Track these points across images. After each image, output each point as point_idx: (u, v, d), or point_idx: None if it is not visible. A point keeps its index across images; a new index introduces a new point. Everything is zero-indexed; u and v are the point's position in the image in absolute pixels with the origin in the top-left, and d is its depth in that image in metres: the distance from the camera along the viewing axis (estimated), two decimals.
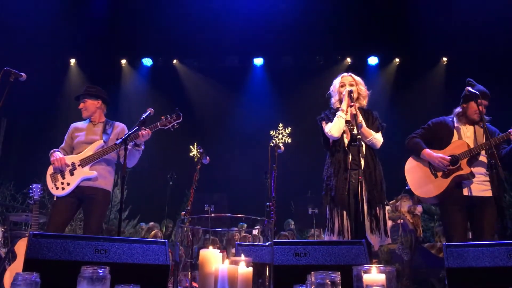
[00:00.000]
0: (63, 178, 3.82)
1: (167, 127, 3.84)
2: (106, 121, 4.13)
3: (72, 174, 3.83)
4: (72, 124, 4.17)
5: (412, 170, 3.72)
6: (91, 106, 4.07)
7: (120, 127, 4.12)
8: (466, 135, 3.63)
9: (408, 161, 3.78)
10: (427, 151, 3.61)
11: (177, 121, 3.85)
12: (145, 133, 3.75)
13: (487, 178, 3.48)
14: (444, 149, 3.60)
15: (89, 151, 3.89)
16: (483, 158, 3.54)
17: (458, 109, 3.74)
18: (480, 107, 3.47)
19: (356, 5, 9.04)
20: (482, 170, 3.52)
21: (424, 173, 3.63)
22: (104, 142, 3.94)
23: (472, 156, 3.50)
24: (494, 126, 3.64)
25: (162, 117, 3.86)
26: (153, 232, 6.80)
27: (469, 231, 3.79)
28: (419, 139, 3.73)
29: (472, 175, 3.47)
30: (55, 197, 3.88)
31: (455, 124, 3.71)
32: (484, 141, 3.52)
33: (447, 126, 3.71)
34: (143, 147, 3.89)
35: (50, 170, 3.90)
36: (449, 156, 3.53)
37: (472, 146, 3.53)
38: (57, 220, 3.78)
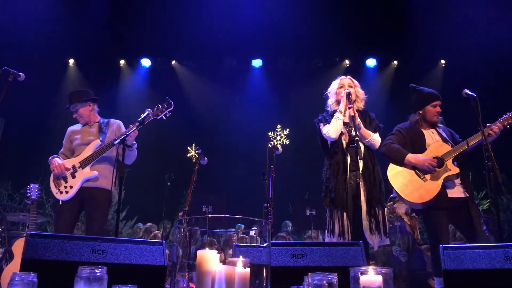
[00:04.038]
0: (66, 182, 3.82)
1: (159, 116, 3.79)
2: (101, 120, 4.12)
3: (73, 176, 3.82)
4: (68, 128, 4.16)
5: (398, 176, 3.49)
6: (85, 112, 4.06)
7: (116, 124, 4.12)
8: (435, 138, 3.58)
9: (391, 168, 3.54)
10: (412, 155, 3.45)
11: (168, 109, 3.81)
12: (132, 132, 3.74)
13: (459, 180, 3.44)
14: (424, 152, 3.49)
15: (87, 151, 3.88)
16: None
17: (415, 117, 3.68)
18: (438, 109, 3.59)
19: (354, 8, 9.06)
20: None
21: (411, 178, 3.44)
22: (101, 141, 3.93)
23: (456, 156, 3.43)
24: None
25: (154, 108, 3.83)
26: (153, 233, 6.79)
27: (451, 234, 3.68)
28: (397, 144, 3.55)
29: (458, 175, 3.41)
30: (60, 202, 3.85)
31: (420, 129, 3.65)
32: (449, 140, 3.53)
33: (416, 130, 3.63)
34: (135, 145, 3.87)
35: (53, 176, 3.89)
36: (433, 158, 3.43)
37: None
38: (62, 226, 3.77)
